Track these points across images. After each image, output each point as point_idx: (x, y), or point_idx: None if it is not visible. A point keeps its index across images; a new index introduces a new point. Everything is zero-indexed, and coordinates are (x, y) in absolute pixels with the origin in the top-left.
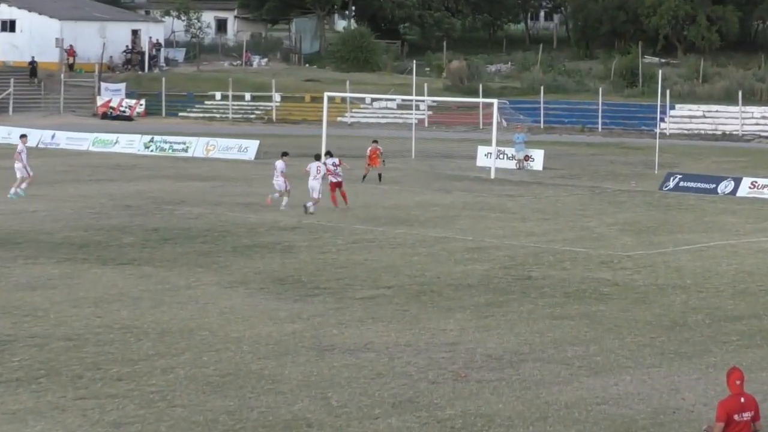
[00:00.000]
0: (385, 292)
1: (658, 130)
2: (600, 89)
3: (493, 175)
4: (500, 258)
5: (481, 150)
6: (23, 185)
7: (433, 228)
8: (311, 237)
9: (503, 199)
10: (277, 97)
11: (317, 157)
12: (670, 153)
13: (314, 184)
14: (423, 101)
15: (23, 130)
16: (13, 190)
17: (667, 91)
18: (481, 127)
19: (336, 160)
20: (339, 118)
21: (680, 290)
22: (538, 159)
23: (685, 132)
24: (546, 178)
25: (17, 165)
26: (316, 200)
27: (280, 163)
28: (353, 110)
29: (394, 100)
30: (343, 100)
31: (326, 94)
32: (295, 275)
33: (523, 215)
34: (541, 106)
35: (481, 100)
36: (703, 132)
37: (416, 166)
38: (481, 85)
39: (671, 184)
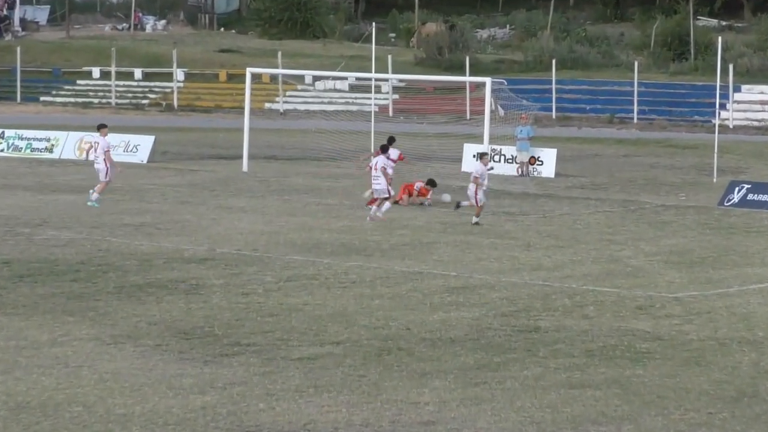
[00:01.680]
0: (333, 350)
1: (717, 122)
2: (636, 64)
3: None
4: (495, 301)
5: (469, 149)
6: (97, 192)
7: (401, 260)
8: (229, 272)
9: (500, 219)
10: (179, 74)
11: (385, 148)
12: (734, 153)
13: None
14: (386, 81)
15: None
16: (97, 196)
17: (731, 67)
18: (468, 117)
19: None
20: (268, 105)
21: (749, 346)
22: (548, 162)
23: (755, 124)
24: (560, 188)
25: (99, 165)
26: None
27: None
28: (288, 94)
29: (346, 79)
30: (274, 79)
31: (249, 71)
32: (205, 326)
33: (527, 241)
34: (553, 87)
35: (468, 78)
36: None
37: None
38: (467, 58)
39: (736, 197)
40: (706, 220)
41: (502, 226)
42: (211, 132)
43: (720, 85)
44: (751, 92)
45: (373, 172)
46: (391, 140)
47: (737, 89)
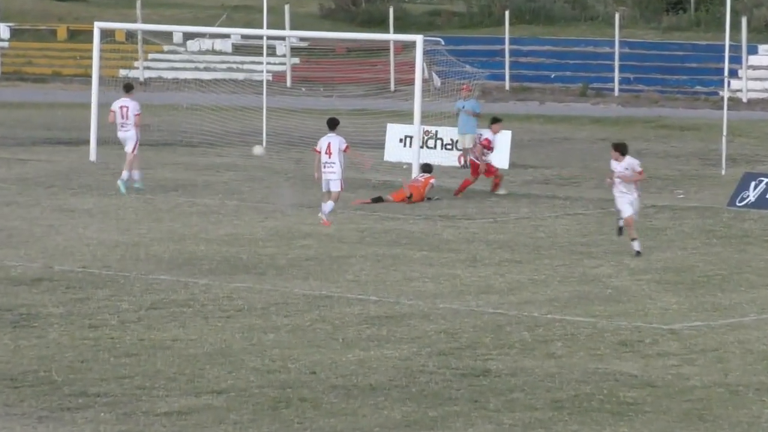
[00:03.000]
0: (213, 402)
1: (726, 94)
2: (617, 17)
3: (416, 178)
4: (430, 335)
5: (394, 131)
6: (129, 168)
7: (304, 279)
8: (71, 297)
9: (436, 225)
10: (3, 31)
11: (333, 123)
12: (749, 136)
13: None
14: (282, 40)
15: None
16: (128, 175)
17: (743, 20)
18: (392, 88)
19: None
20: (123, 72)
21: None
22: (501, 148)
23: None
24: (516, 183)
25: (127, 133)
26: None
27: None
28: (150, 57)
29: (228, 37)
30: (131, 37)
31: (98, 26)
32: (40, 370)
33: (472, 254)
34: (506, 48)
35: (392, 36)
36: None
37: (270, 162)
38: (391, 10)
39: (752, 194)
40: (712, 225)
41: (439, 235)
42: (47, 108)
43: (730, 45)
44: None
45: (325, 158)
46: (334, 123)
47: (753, 50)
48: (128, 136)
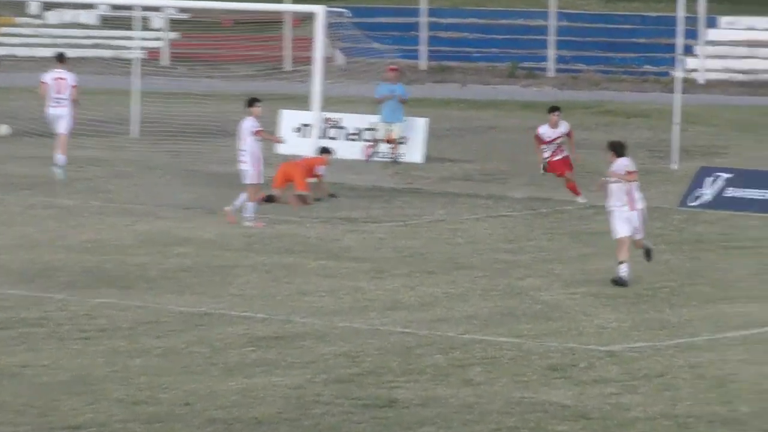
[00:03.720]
0: None
1: (679, 74)
2: None
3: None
4: (328, 359)
5: (289, 118)
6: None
7: (178, 294)
8: None
9: (335, 229)
10: None
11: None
12: (706, 124)
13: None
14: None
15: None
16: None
17: None
18: (288, 68)
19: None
20: None
21: (726, 429)
22: (414, 139)
23: (740, 78)
24: (431, 180)
25: (63, 110)
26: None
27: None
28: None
29: (93, 7)
30: None
31: None
32: None
33: (378, 264)
34: (422, 20)
35: (289, 7)
36: None
37: (141, 156)
38: None
39: (708, 192)
40: (660, 229)
41: (339, 241)
42: None
43: (685, 17)
44: (733, 27)
45: (240, 144)
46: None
47: (712, 23)
48: (63, 113)
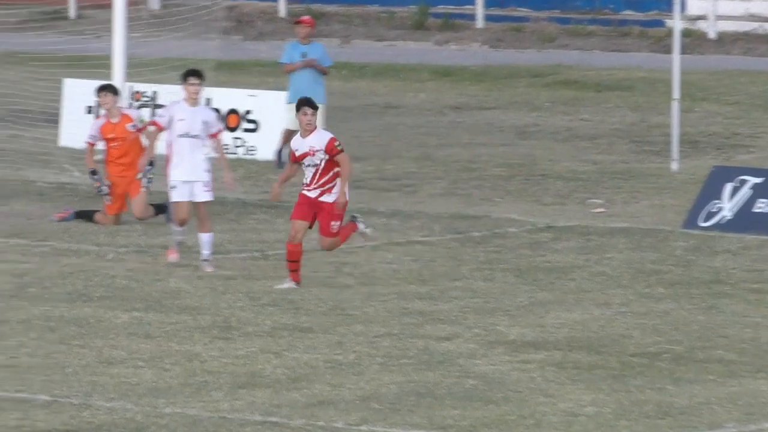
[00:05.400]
0: None
1: (678, 24)
2: None
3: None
4: None
5: (75, 91)
6: None
7: None
8: None
9: (155, 264)
10: None
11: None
12: (719, 101)
13: None
14: None
15: None
16: None
17: None
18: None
19: None
20: None
21: None
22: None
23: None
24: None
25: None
26: None
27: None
28: None
29: None
30: None
31: None
32: None
33: (220, 316)
34: None
35: None
36: None
37: None
38: None
39: (727, 206)
40: (655, 262)
41: (161, 281)
42: None
43: None
44: None
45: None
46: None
47: None
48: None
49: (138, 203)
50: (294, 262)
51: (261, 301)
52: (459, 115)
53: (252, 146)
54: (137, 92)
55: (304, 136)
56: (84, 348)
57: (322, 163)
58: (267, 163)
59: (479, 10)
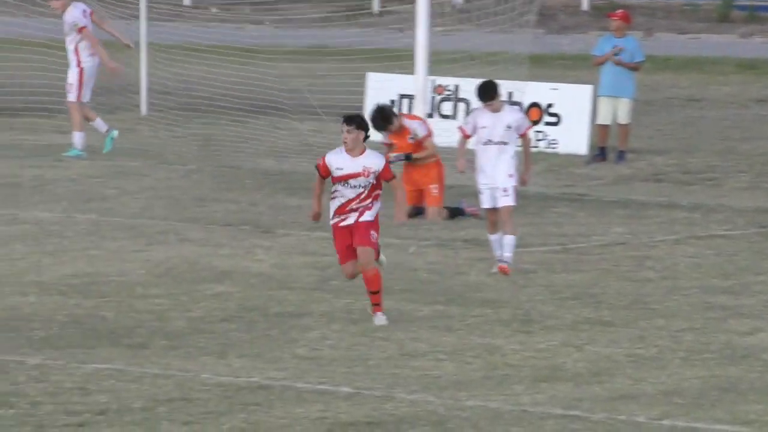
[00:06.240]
0: None
1: None
2: None
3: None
4: None
5: (378, 84)
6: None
7: (218, 356)
8: None
9: (456, 257)
10: None
11: None
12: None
13: None
14: None
15: None
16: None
17: None
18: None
19: None
20: None
21: None
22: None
23: None
24: (604, 182)
25: None
26: None
27: None
28: None
29: None
30: None
31: None
32: None
33: (521, 310)
34: None
35: None
36: None
37: (153, 144)
38: None
39: None
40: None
41: (462, 275)
42: None
43: None
44: None
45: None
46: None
47: None
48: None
49: (431, 211)
50: (375, 293)
51: (562, 294)
52: (763, 108)
53: (553, 140)
54: (439, 85)
55: (352, 155)
56: (386, 341)
57: (370, 185)
58: (568, 156)
59: None
